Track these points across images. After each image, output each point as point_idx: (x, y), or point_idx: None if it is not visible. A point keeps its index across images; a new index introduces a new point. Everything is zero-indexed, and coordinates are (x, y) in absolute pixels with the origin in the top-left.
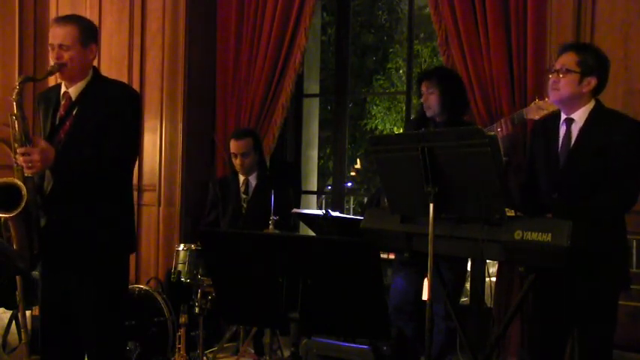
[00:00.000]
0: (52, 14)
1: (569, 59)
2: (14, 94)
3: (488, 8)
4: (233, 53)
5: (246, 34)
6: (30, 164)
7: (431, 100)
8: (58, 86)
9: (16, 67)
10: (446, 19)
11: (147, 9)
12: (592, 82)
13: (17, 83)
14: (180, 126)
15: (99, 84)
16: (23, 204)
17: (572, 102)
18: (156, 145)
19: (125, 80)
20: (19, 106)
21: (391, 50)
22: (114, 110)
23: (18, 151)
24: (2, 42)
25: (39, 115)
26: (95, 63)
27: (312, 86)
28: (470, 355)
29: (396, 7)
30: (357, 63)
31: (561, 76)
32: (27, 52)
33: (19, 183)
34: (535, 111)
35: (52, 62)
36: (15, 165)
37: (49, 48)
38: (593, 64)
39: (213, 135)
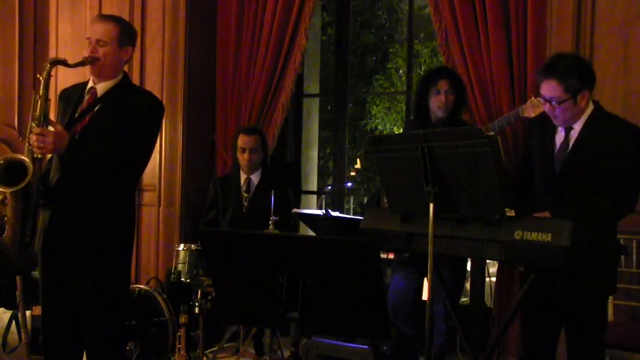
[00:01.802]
0: (52, 14)
1: (554, 89)
2: (44, 72)
3: (488, 8)
4: (233, 53)
5: (246, 34)
6: (42, 145)
7: (450, 101)
8: (83, 84)
9: (16, 67)
10: (446, 19)
11: (147, 9)
12: (586, 94)
13: (47, 63)
14: (180, 126)
15: (127, 88)
16: (27, 179)
17: (576, 118)
18: (156, 145)
19: None
20: (46, 86)
21: (391, 50)
22: (135, 115)
23: (34, 130)
24: (2, 42)
25: (58, 112)
26: None
27: (312, 86)
28: (470, 355)
29: (396, 7)
30: (357, 63)
31: (555, 105)
32: (27, 52)
33: (26, 159)
34: (531, 108)
35: (86, 54)
36: (27, 144)
37: (87, 42)
38: (578, 83)
39: (213, 135)
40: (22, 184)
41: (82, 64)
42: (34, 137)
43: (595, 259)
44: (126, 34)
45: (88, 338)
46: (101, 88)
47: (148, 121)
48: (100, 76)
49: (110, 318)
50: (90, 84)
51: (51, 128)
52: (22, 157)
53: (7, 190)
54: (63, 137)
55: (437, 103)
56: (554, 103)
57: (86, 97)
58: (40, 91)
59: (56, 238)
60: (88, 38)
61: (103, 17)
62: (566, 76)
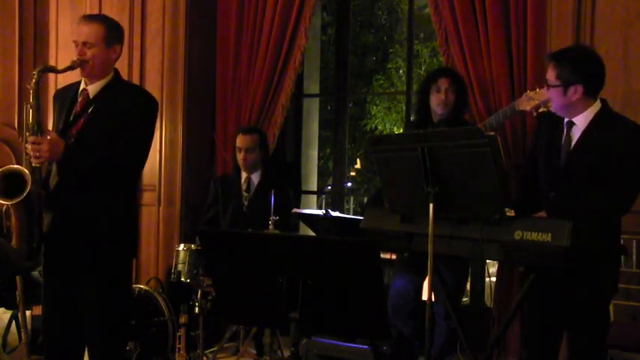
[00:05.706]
0: (52, 14)
1: (550, 73)
2: (32, 82)
3: (488, 8)
4: (233, 53)
5: (246, 34)
6: (38, 154)
7: (450, 99)
8: (77, 84)
9: (16, 67)
10: (446, 19)
11: (147, 9)
12: (578, 89)
13: (35, 72)
14: (180, 126)
15: (118, 86)
16: (27, 190)
17: (568, 110)
18: (156, 145)
19: None
20: (36, 96)
21: (391, 50)
22: (129, 113)
23: (28, 139)
24: (2, 42)
25: (54, 113)
26: None
27: (312, 86)
28: (470, 355)
29: (396, 7)
30: (357, 63)
31: (550, 89)
32: (27, 52)
33: (25, 170)
34: (526, 102)
35: (74, 58)
36: (24, 154)
37: (74, 44)
38: (570, 75)
39: (213, 135)
40: (23, 196)
41: (70, 68)
42: (29, 146)
43: (596, 259)
44: (113, 33)
45: (90, 338)
46: (93, 89)
47: (142, 118)
48: (91, 78)
49: (112, 319)
50: (82, 85)
51: (48, 137)
52: (21, 168)
53: (9, 203)
54: (58, 144)
55: (436, 101)
56: (549, 84)
57: (79, 100)
58: (31, 101)
59: (58, 240)
60: (75, 41)
61: (89, 18)
62: (561, 64)
